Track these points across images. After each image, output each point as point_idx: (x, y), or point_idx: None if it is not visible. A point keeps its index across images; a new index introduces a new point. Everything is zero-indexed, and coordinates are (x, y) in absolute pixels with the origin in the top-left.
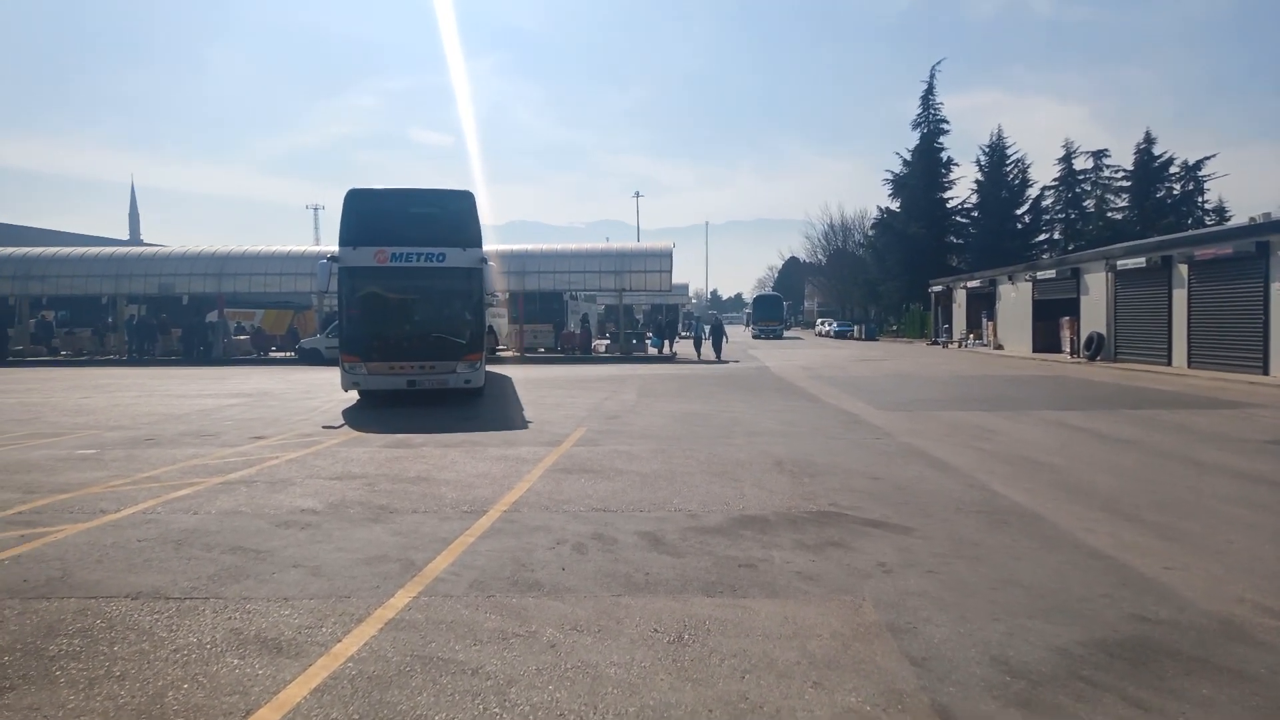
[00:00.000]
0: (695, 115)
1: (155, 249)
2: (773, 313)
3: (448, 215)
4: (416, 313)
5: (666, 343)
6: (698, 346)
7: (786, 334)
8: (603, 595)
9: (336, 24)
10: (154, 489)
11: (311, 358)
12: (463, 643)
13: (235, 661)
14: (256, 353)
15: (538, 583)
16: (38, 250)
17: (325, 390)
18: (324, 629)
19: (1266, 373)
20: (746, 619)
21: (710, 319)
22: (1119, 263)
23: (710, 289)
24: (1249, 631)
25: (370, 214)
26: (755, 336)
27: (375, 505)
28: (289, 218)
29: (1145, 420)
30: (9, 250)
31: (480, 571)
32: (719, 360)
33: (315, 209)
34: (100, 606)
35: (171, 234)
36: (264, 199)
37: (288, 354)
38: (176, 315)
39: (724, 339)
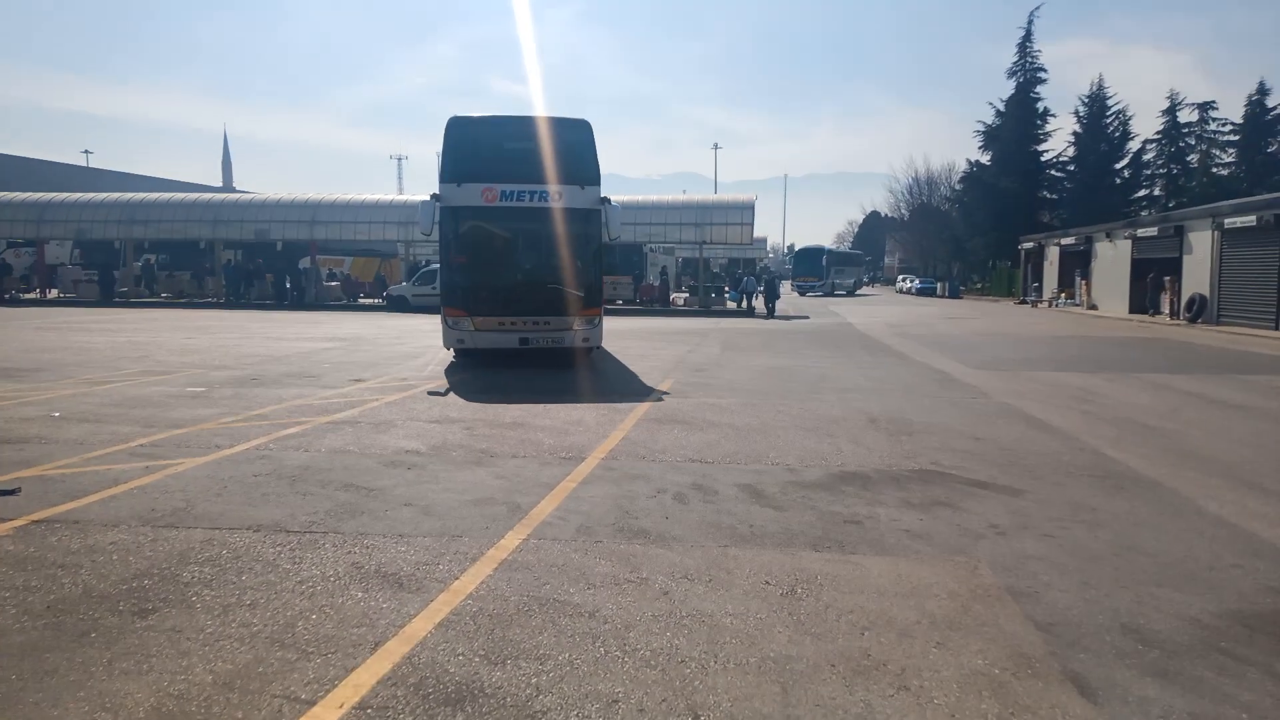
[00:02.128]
0: (772, 64)
1: (250, 196)
2: (812, 268)
3: (564, 148)
4: (529, 260)
5: (746, 298)
6: (749, 299)
7: (860, 290)
8: (709, 545)
9: None
10: (264, 426)
11: (399, 305)
12: (576, 586)
13: (359, 594)
14: (346, 299)
15: (644, 530)
16: (140, 196)
17: (416, 336)
18: (440, 566)
19: None
20: (859, 575)
21: (764, 274)
22: (1227, 221)
23: (788, 244)
24: None
25: (475, 146)
26: (796, 291)
27: (476, 449)
28: (373, 167)
29: (1257, 386)
30: (114, 195)
31: (585, 517)
32: (771, 315)
33: (399, 159)
34: (225, 537)
35: (262, 182)
36: (348, 149)
37: (375, 301)
38: (271, 261)
39: (778, 295)
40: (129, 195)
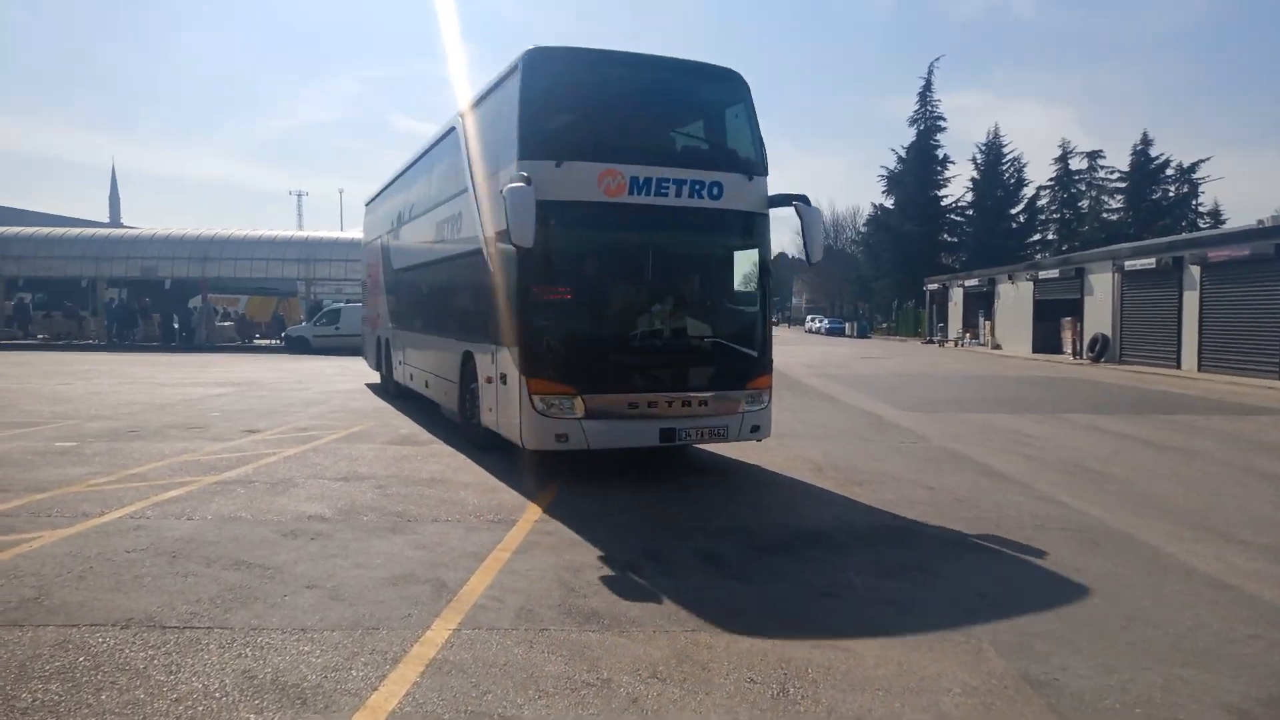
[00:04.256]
0: None
1: (136, 231)
2: None
3: (714, 114)
4: (670, 294)
5: None
6: None
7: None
8: (675, 630)
9: (316, 7)
10: (141, 489)
11: (299, 346)
12: (525, 695)
13: (251, 718)
14: (240, 340)
15: (596, 612)
16: (13, 229)
17: (318, 380)
18: (354, 671)
19: None
20: (854, 666)
21: None
22: (1127, 263)
23: None
24: None
25: (580, 101)
26: None
27: (391, 512)
28: (272, 203)
29: (1183, 426)
30: None
31: (525, 596)
32: None
33: (299, 195)
34: (84, 638)
35: (153, 217)
36: (245, 184)
37: (273, 342)
38: (158, 300)
39: None
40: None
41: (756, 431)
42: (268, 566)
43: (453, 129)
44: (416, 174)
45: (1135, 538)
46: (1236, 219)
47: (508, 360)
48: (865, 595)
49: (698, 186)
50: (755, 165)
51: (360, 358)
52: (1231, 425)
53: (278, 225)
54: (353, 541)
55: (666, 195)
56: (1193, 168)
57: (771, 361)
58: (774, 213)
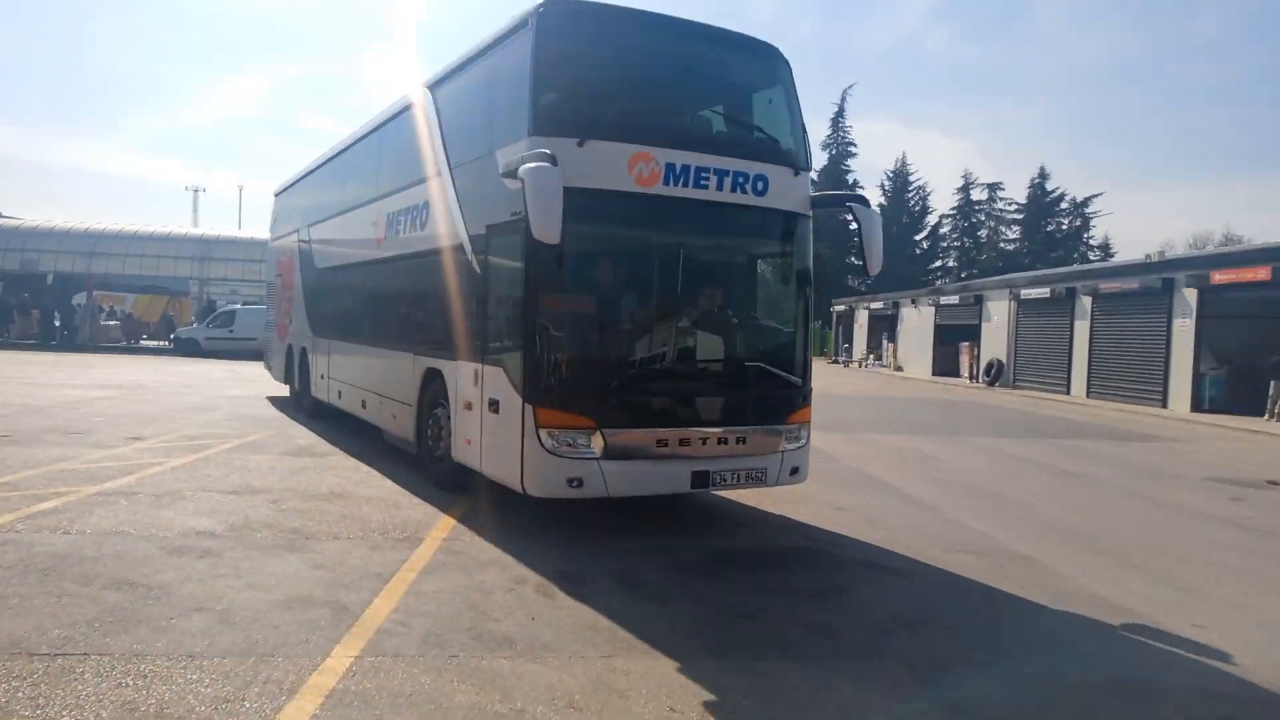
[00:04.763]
0: None
1: (17, 222)
2: None
3: (752, 91)
4: (707, 309)
5: None
6: None
7: None
8: (592, 656)
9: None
10: (11, 499)
11: (189, 348)
12: None
13: None
14: (127, 340)
15: (507, 637)
16: None
17: (207, 384)
18: (247, 703)
19: (1165, 405)
20: (776, 693)
21: None
22: (1023, 292)
23: None
24: None
25: (602, 66)
26: None
27: (287, 528)
28: (167, 199)
29: (1077, 451)
30: None
31: (432, 620)
32: None
33: (195, 191)
34: None
35: (36, 208)
36: (141, 178)
37: (162, 343)
38: (39, 295)
39: None
40: None
41: (796, 474)
42: (152, 586)
43: (411, 104)
44: (354, 159)
45: (1038, 561)
46: (1124, 253)
47: (502, 383)
48: (783, 618)
49: (740, 179)
50: (800, 158)
51: (254, 363)
52: (1121, 450)
53: (172, 222)
54: (245, 560)
55: (705, 188)
56: (1085, 202)
57: (811, 391)
58: None
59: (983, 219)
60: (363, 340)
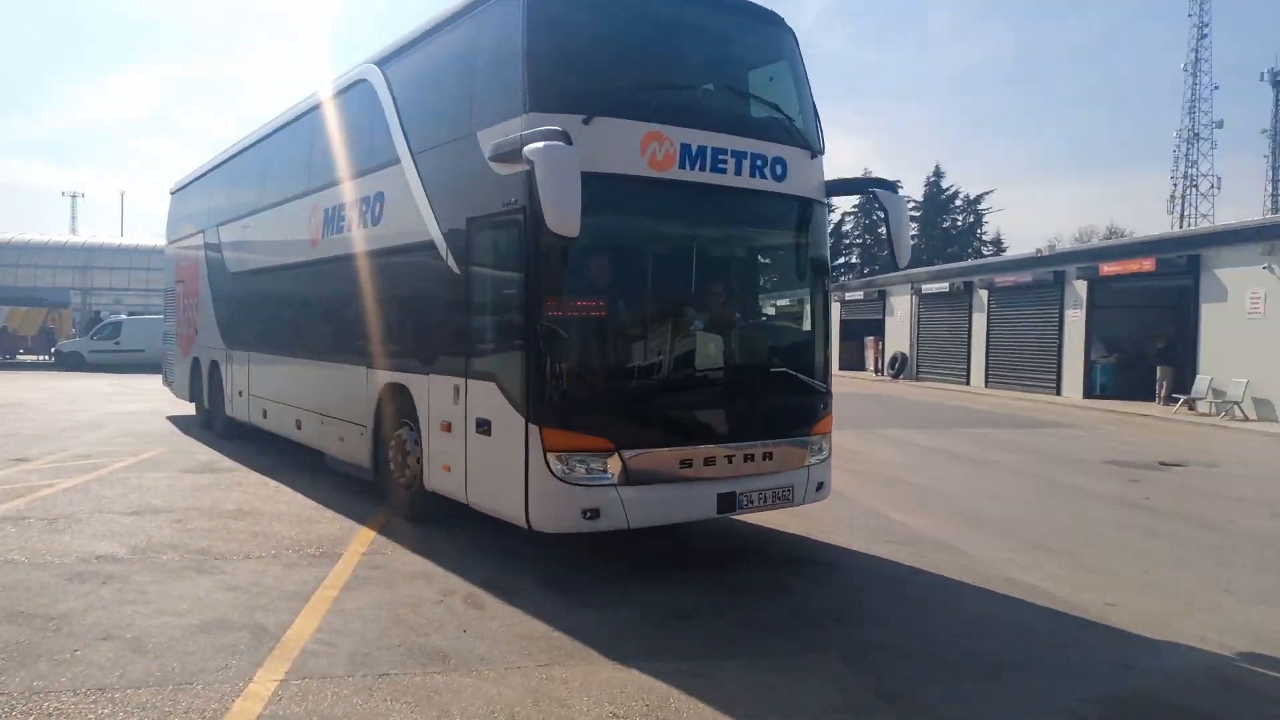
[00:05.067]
0: None
1: None
2: None
3: (763, 65)
4: (729, 309)
5: None
6: None
7: None
8: (528, 666)
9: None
10: None
11: (71, 362)
12: None
13: None
14: (2, 355)
15: (440, 651)
16: None
17: (95, 400)
18: None
19: (1059, 393)
20: (719, 693)
21: None
22: (924, 287)
23: None
24: (1245, 682)
25: (607, 33)
26: None
27: (195, 549)
28: (44, 205)
29: (983, 439)
30: None
31: (359, 639)
32: None
33: (73, 197)
34: None
35: None
36: (12, 183)
37: (41, 358)
38: None
39: None
40: None
41: (820, 490)
42: (51, 617)
43: (363, 80)
44: (278, 149)
45: (957, 548)
46: (1015, 247)
47: (494, 400)
48: (719, 616)
49: (759, 162)
50: (815, 140)
51: (144, 376)
52: (1024, 437)
53: (50, 229)
54: (152, 585)
55: (723, 172)
56: (978, 199)
57: (832, 397)
58: None
59: (883, 216)
60: (296, 352)
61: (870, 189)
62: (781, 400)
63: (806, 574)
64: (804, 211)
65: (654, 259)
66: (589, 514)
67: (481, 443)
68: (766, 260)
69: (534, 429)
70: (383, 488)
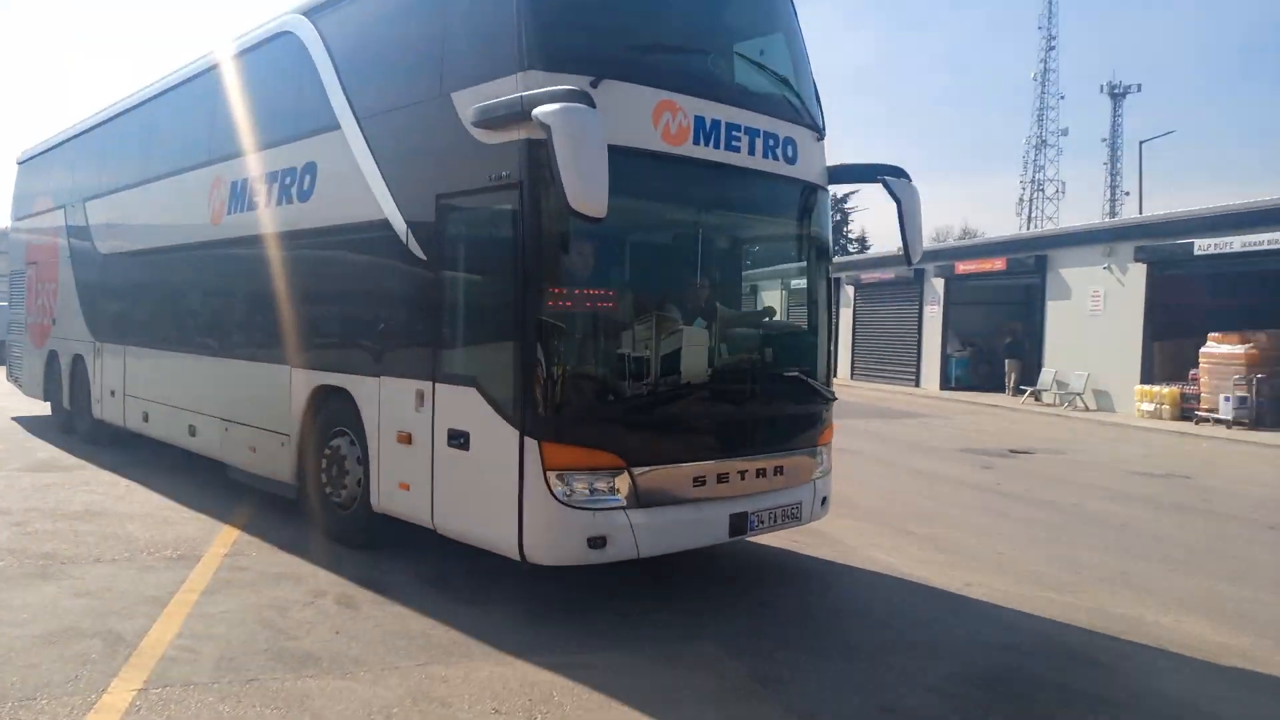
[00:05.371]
0: None
1: None
2: None
3: (769, 36)
4: (741, 304)
5: None
6: None
7: None
8: (406, 665)
9: None
10: None
11: None
12: None
13: None
14: None
15: (311, 654)
16: None
17: None
18: None
19: (919, 385)
20: (601, 682)
21: None
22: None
23: None
24: (1088, 652)
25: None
26: None
27: (37, 554)
28: None
29: (847, 429)
30: None
31: (224, 643)
32: None
33: None
34: None
35: None
36: None
37: None
38: None
39: None
40: None
41: (824, 506)
42: None
43: (286, 33)
44: (169, 113)
45: (827, 534)
46: (878, 245)
47: (476, 408)
48: (598, 608)
49: (771, 142)
50: (818, 120)
51: None
52: (885, 427)
53: None
54: None
55: (737, 150)
56: (845, 199)
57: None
58: None
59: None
60: (191, 347)
61: (880, 176)
62: (793, 407)
63: (684, 563)
64: (811, 198)
65: (664, 248)
66: (595, 543)
67: (456, 458)
68: (780, 251)
69: (530, 443)
70: (310, 507)
